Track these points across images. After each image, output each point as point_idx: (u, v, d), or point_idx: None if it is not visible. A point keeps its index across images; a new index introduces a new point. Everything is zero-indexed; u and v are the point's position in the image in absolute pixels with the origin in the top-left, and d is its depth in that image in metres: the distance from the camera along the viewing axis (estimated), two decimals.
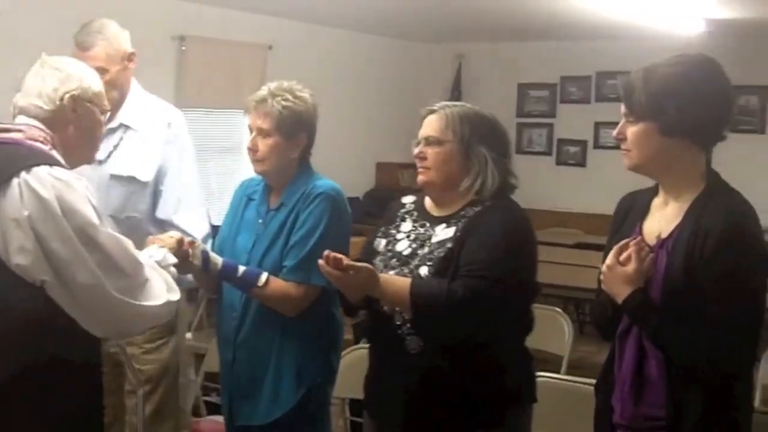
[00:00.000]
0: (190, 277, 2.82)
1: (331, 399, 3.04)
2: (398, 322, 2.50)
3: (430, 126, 2.58)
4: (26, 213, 2.04)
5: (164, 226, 3.10)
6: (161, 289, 2.23)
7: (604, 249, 2.34)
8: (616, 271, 2.19)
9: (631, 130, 2.22)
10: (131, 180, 3.20)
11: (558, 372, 3.20)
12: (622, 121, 2.25)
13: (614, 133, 2.28)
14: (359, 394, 2.77)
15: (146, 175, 3.22)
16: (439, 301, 2.37)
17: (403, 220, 2.66)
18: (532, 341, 2.70)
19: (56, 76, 2.27)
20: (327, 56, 8.77)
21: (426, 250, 2.52)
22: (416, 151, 2.59)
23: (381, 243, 2.64)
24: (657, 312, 2.14)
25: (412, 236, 2.59)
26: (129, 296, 2.13)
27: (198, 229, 3.18)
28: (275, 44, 7.96)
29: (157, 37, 6.67)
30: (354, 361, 3.26)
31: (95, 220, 2.10)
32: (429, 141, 2.56)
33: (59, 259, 2.05)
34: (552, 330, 2.76)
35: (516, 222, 2.52)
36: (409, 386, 2.51)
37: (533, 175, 8.85)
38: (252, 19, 7.76)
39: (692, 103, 2.15)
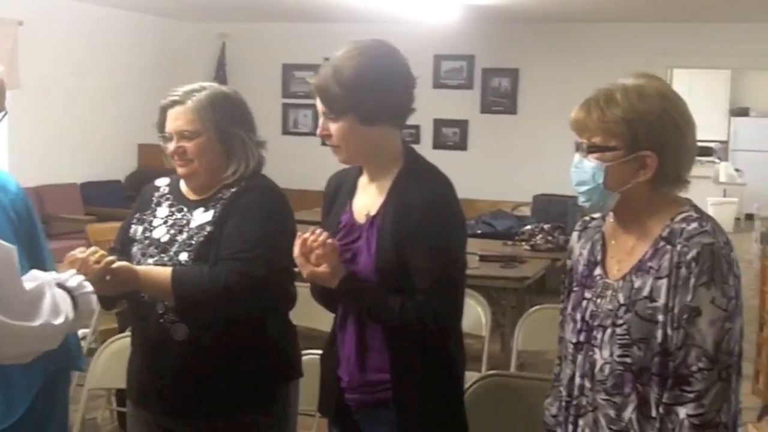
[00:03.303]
0: None
1: (73, 380, 2.96)
2: (161, 311, 2.45)
3: (181, 119, 2.48)
4: None
5: None
6: (43, 310, 1.86)
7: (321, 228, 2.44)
8: (316, 273, 2.27)
9: (335, 127, 2.29)
10: None
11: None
12: (322, 119, 2.32)
13: (318, 131, 2.35)
14: (124, 384, 2.69)
15: None
16: (202, 288, 2.35)
17: (159, 204, 2.59)
18: (301, 319, 2.72)
19: None
20: (84, 34, 8.43)
21: (185, 236, 2.47)
22: (172, 147, 2.50)
23: (138, 230, 2.56)
24: (367, 291, 2.28)
25: (170, 222, 2.53)
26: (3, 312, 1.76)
27: None
28: (27, 20, 7.56)
29: None
30: (118, 350, 3.18)
31: None
32: (184, 135, 2.48)
33: None
34: (318, 307, 2.80)
35: (273, 200, 2.53)
36: (177, 374, 2.47)
37: (299, 155, 8.93)
38: None
39: (385, 90, 2.27)
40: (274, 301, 2.51)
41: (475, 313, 4.08)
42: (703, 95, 14.61)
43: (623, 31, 8.61)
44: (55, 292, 1.95)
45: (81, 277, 2.14)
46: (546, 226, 6.57)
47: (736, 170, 14.52)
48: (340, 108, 2.26)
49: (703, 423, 1.87)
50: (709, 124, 14.88)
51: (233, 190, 2.50)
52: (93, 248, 2.35)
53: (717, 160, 14.89)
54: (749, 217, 13.00)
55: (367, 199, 2.37)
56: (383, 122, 2.30)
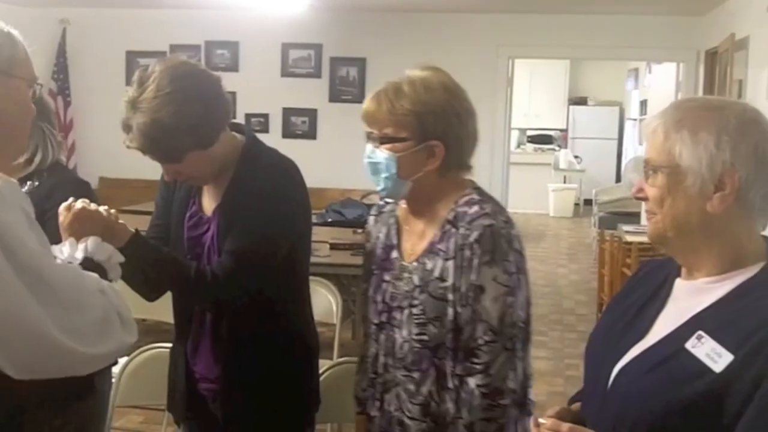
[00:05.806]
0: None
1: None
2: None
3: None
4: None
5: None
6: (116, 327, 1.67)
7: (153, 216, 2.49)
8: None
9: (182, 166, 2.25)
10: None
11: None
12: (164, 166, 2.28)
13: (166, 178, 2.33)
14: None
15: None
16: None
17: None
18: (148, 313, 2.67)
19: None
20: None
21: None
22: None
23: None
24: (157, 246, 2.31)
25: None
26: (77, 341, 1.57)
27: None
28: None
29: None
30: None
31: (36, 245, 1.55)
32: None
33: None
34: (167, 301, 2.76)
35: (75, 192, 2.37)
36: None
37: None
38: None
39: (210, 110, 2.22)
40: None
41: (326, 301, 4.10)
42: (543, 85, 15.17)
43: (467, 22, 8.80)
44: (112, 297, 1.71)
45: (109, 247, 1.93)
46: None
47: (575, 157, 15.10)
48: (179, 154, 2.21)
49: (491, 391, 2.02)
50: (549, 112, 15.49)
51: (35, 181, 2.45)
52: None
53: (557, 148, 15.45)
54: (588, 202, 13.55)
55: (214, 191, 2.37)
56: (219, 134, 2.27)
